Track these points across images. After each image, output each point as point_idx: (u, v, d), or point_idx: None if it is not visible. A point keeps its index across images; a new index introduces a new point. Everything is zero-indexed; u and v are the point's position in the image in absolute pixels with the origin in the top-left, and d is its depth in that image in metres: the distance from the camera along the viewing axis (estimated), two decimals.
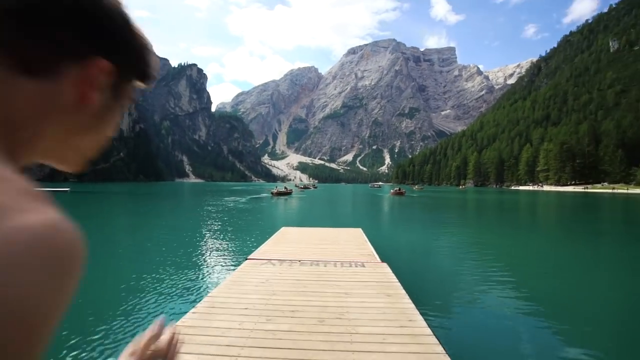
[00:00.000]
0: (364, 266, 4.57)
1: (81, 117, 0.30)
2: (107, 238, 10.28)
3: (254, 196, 46.06)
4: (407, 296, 3.31)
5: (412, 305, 3.02)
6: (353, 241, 6.65)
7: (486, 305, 4.82)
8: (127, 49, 0.32)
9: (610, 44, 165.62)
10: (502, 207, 27.42)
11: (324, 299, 3.21)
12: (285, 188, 55.72)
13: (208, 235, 10.96)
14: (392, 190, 53.44)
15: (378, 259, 5.03)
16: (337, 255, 5.30)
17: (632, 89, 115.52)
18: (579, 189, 70.46)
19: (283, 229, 8.24)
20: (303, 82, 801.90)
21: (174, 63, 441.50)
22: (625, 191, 58.24)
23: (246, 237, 10.44)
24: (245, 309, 2.88)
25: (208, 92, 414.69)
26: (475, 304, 4.84)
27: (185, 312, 2.85)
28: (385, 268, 4.45)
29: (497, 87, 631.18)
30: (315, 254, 5.31)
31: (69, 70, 0.28)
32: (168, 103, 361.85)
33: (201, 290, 5.20)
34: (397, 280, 3.86)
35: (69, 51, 0.27)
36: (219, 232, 11.41)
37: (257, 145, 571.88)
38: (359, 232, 7.92)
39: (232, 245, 9.20)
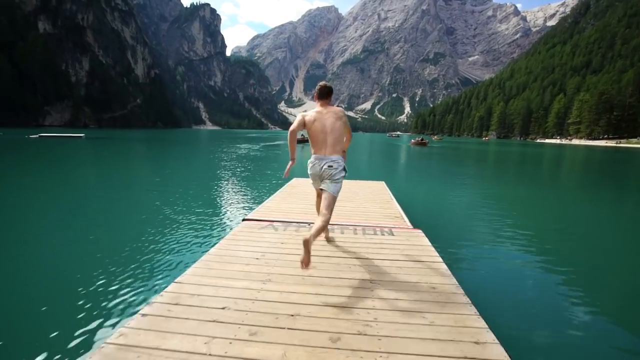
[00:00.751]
0: (392, 234, 3.51)
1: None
2: (102, 186, 9.86)
3: (270, 144, 45.80)
4: (460, 289, 2.22)
5: (474, 311, 1.94)
6: (376, 198, 5.60)
7: (594, 311, 3.22)
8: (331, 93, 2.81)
9: None
10: (539, 161, 25.91)
11: (339, 292, 2.19)
12: (302, 135, 53.95)
13: (211, 186, 9.92)
14: (412, 140, 50.57)
15: (409, 224, 3.94)
16: (358, 217, 4.17)
17: None
18: (611, 143, 66.15)
19: (294, 180, 7.06)
20: (322, 23, 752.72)
21: (186, 2, 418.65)
22: None
23: (251, 190, 9.29)
24: (223, 308, 1.93)
25: (222, 35, 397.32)
26: (567, 309, 3.24)
27: (134, 313, 1.98)
28: (421, 237, 3.40)
29: (534, 29, 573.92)
30: None
31: (329, 98, 2.82)
32: (182, 47, 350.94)
33: (172, 268, 3.72)
34: (440, 260, 2.77)
35: (330, 95, 2.85)
36: (223, 184, 10.33)
37: (274, 92, 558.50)
38: (381, 185, 6.83)
39: (233, 200, 7.95)
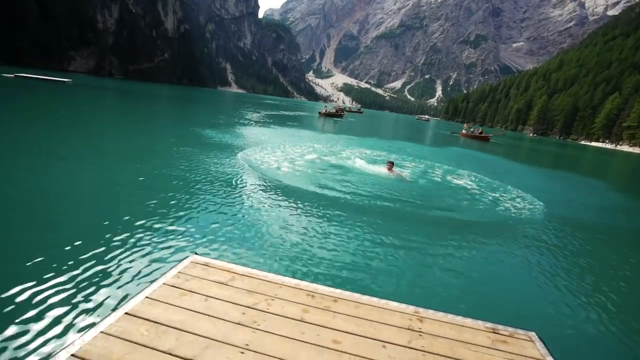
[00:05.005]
0: None
1: None
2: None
3: (295, 113, 42.55)
4: None
5: None
6: None
7: None
8: None
9: None
10: None
11: None
12: (336, 109, 49.07)
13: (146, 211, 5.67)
14: (463, 131, 38.85)
15: None
16: None
17: None
18: None
19: (192, 257, 2.95)
20: None
21: None
22: None
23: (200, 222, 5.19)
24: None
25: None
26: None
27: None
28: None
29: (592, 17, 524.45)
30: None
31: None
32: (214, 4, 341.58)
33: None
34: None
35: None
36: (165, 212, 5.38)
37: (303, 61, 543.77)
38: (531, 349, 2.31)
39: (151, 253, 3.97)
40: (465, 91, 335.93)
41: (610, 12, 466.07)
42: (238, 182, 7.51)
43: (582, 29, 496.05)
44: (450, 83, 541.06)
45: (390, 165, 10.06)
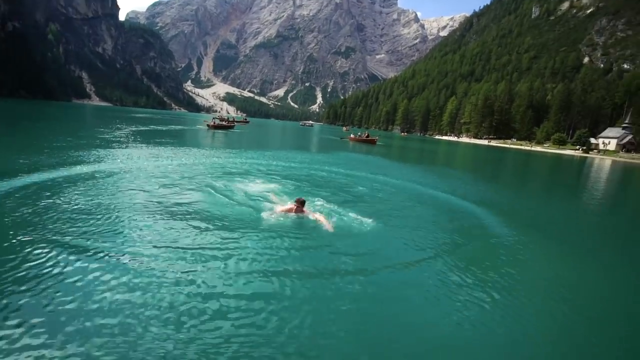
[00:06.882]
0: None
1: None
2: None
3: (169, 127, 38.91)
4: None
5: None
6: None
7: None
8: None
9: (533, 9, 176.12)
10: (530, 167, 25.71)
11: None
12: (226, 120, 47.81)
13: None
14: (352, 135, 40.62)
15: None
16: None
17: (543, 55, 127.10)
18: (493, 142, 77.76)
19: None
20: (234, 0, 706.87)
21: None
22: (529, 148, 66.03)
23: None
24: None
25: None
26: None
27: None
28: None
29: (430, 37, 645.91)
30: None
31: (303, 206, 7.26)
32: (56, 0, 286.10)
33: None
34: None
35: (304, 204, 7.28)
36: None
37: (179, 69, 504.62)
38: None
39: None
40: (342, 97, 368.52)
41: (442, 34, 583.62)
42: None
43: (425, 45, 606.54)
44: (329, 90, 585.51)
45: (300, 205, 6.99)
